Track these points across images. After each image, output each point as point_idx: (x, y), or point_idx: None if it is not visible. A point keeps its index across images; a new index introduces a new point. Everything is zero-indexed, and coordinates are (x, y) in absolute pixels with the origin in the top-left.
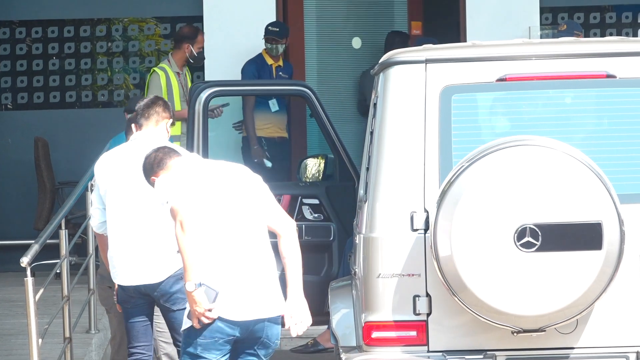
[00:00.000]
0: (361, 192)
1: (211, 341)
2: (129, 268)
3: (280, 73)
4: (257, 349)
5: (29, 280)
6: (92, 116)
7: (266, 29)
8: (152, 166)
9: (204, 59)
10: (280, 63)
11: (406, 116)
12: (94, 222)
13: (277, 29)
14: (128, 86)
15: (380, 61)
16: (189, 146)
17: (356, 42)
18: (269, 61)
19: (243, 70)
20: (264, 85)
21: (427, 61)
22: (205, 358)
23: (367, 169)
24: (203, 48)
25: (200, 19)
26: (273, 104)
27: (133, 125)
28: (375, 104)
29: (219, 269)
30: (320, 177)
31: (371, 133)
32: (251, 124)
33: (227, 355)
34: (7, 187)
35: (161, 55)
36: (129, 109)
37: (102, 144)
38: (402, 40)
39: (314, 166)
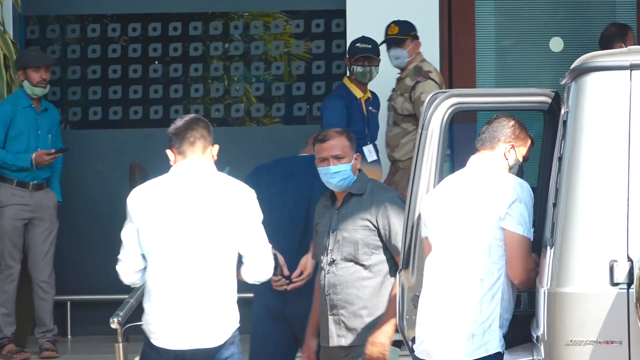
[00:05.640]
0: (546, 234)
1: None
2: (174, 328)
3: (371, 108)
4: None
5: (120, 346)
6: None
7: (354, 47)
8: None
9: None
10: (369, 95)
11: (606, 137)
12: (126, 270)
13: (370, 45)
14: (250, 99)
15: (572, 67)
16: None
17: (555, 44)
18: (357, 94)
19: (327, 108)
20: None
21: (632, 67)
22: None
23: (554, 204)
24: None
25: (342, 13)
26: (369, 152)
27: (168, 151)
28: (565, 122)
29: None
30: None
31: (559, 159)
32: None
33: None
34: (94, 225)
35: (291, 60)
36: (20, 63)
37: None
38: (620, 33)
39: None
